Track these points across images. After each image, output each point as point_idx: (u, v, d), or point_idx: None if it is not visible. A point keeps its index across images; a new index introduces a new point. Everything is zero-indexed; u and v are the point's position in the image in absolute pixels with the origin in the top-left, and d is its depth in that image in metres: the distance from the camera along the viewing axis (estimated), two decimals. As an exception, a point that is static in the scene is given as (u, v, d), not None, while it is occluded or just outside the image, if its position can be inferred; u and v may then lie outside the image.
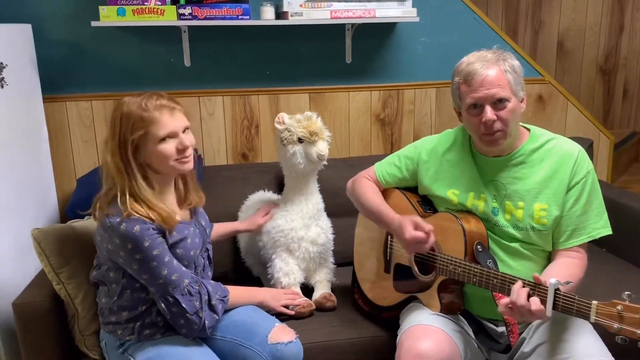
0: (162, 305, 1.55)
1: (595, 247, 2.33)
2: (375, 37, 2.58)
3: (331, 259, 2.14)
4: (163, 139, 1.50)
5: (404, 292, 1.75)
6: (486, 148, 1.62)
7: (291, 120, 2.00)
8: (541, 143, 1.64)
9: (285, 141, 1.99)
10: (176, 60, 2.45)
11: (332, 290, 2.06)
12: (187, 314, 1.55)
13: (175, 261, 1.54)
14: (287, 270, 1.99)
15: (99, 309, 1.69)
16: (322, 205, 2.13)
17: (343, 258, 2.19)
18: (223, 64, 2.49)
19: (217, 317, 1.61)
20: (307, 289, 2.06)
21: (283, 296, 1.86)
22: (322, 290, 2.02)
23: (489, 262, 1.56)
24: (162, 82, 2.46)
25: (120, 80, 2.44)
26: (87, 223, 2.02)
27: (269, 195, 2.24)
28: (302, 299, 1.91)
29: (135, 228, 1.47)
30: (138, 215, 1.47)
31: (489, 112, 1.53)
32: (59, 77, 2.37)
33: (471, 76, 1.54)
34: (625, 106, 4.07)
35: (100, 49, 2.39)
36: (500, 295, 1.53)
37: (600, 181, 1.70)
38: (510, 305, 1.37)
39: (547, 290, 1.35)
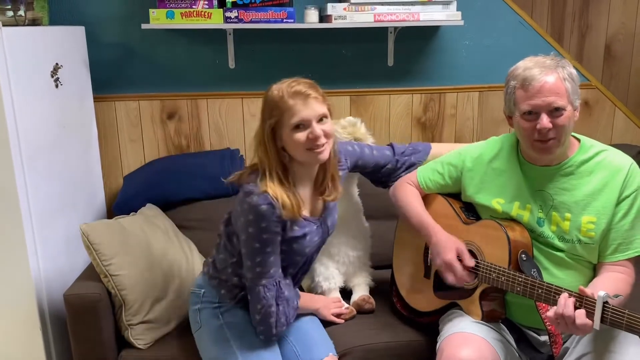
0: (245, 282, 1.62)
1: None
2: (418, 40, 2.56)
3: (369, 262, 2.15)
4: (296, 127, 1.52)
5: (444, 299, 1.74)
6: (536, 156, 1.60)
7: (336, 125, 2.01)
8: (591, 155, 1.60)
9: None
10: (221, 61, 2.49)
11: (370, 292, 2.07)
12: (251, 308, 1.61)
13: (273, 257, 1.57)
14: (327, 274, 2.00)
15: (212, 259, 1.75)
16: (361, 209, 2.15)
17: (381, 261, 2.20)
18: (266, 66, 2.51)
19: (285, 326, 1.65)
20: (345, 292, 2.08)
21: (332, 305, 1.91)
22: (360, 292, 2.04)
23: (533, 272, 1.54)
24: (207, 83, 2.50)
25: (167, 81, 2.49)
26: (133, 219, 2.09)
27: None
28: (345, 308, 1.93)
29: (263, 206, 1.51)
30: (271, 195, 1.51)
31: (545, 120, 1.51)
32: (109, 77, 2.44)
33: (529, 82, 1.52)
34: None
35: (149, 50, 2.44)
36: (543, 305, 1.51)
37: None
38: (556, 317, 1.35)
39: (594, 303, 1.32)
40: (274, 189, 1.53)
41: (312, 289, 2.03)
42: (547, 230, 1.60)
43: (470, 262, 1.58)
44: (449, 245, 1.61)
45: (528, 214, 1.63)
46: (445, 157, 1.84)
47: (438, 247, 1.63)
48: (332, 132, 1.59)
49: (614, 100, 2.78)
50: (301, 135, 1.53)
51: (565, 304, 1.34)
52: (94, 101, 2.40)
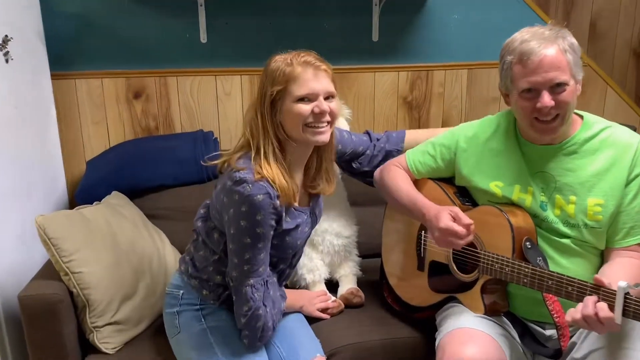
0: (229, 282, 1.46)
1: None
2: (405, 13, 2.40)
3: (356, 251, 2.01)
4: (301, 99, 1.39)
5: (441, 292, 1.61)
6: (537, 136, 1.47)
7: None
8: (595, 131, 1.48)
9: None
10: (192, 36, 2.30)
11: (358, 284, 1.94)
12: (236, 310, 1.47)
13: (263, 253, 1.43)
14: (311, 266, 1.86)
15: (189, 257, 1.59)
16: (345, 194, 2.00)
17: (367, 250, 2.06)
18: (241, 41, 2.33)
19: (272, 331, 1.51)
20: (331, 284, 1.93)
21: (317, 299, 1.75)
22: (348, 284, 1.89)
23: (539, 260, 1.42)
24: (177, 58, 2.31)
25: (133, 57, 2.29)
26: (97, 209, 1.90)
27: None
28: (332, 301, 1.78)
29: (259, 196, 1.36)
30: (268, 179, 1.37)
31: (546, 98, 1.38)
32: (68, 52, 2.23)
33: (527, 56, 1.38)
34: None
35: (113, 22, 2.24)
36: (550, 296, 1.39)
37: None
38: (583, 318, 1.22)
39: (613, 295, 1.20)
40: (271, 171, 1.38)
41: (295, 283, 1.88)
42: (550, 215, 1.48)
43: (467, 219, 1.42)
44: (442, 212, 1.45)
45: (530, 198, 1.50)
46: (436, 138, 1.70)
47: (434, 219, 1.47)
48: (338, 114, 1.46)
49: (605, 78, 2.67)
50: (305, 108, 1.39)
51: (587, 304, 1.21)
52: (52, 79, 2.18)
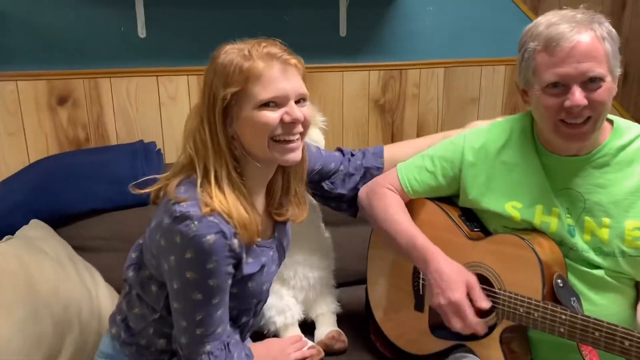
0: (177, 350, 1.13)
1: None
2: (375, 5, 2.15)
3: (333, 282, 1.71)
4: (265, 104, 1.06)
5: (447, 339, 1.32)
6: (562, 143, 1.22)
7: None
8: (630, 139, 1.24)
9: None
10: (128, 30, 1.95)
11: (339, 321, 1.64)
12: None
13: (220, 311, 1.09)
14: (282, 306, 1.54)
15: (121, 317, 1.23)
16: (320, 216, 1.69)
17: (345, 277, 1.79)
18: (188, 36, 2.01)
19: None
20: (306, 325, 1.62)
21: (291, 348, 1.39)
22: (327, 326, 1.59)
23: (573, 301, 1.15)
24: (110, 56, 1.96)
25: (57, 55, 1.93)
26: (7, 246, 1.52)
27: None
28: (309, 347, 1.46)
29: (209, 237, 1.02)
30: (221, 212, 1.03)
31: (578, 95, 1.12)
32: (-28, 49, 1.84)
33: (556, 41, 1.13)
34: (624, 91, 3.76)
35: (30, 14, 1.87)
36: (588, 347, 1.13)
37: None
38: None
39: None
40: (225, 202, 1.04)
41: (262, 328, 1.55)
42: (579, 242, 1.23)
43: (486, 302, 1.17)
44: (457, 278, 1.19)
45: (556, 221, 1.24)
46: (434, 150, 1.41)
47: (440, 281, 1.19)
48: (310, 122, 1.13)
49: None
50: (271, 116, 1.06)
51: None
52: (-47, 81, 1.79)
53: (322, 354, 1.50)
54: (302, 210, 1.24)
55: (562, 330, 1.11)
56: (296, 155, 1.11)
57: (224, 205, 1.04)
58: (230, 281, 1.08)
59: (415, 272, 1.40)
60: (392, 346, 1.46)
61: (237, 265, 1.09)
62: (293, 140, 1.09)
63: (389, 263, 1.48)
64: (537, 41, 1.16)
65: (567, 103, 1.13)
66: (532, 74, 1.19)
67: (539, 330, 1.16)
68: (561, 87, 1.15)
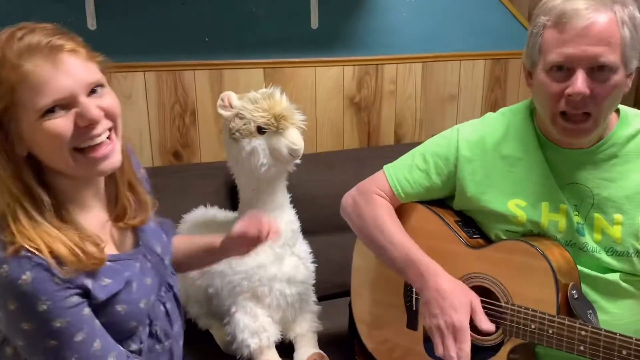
0: None
1: None
2: None
3: (313, 297, 1.55)
4: (48, 112, 0.85)
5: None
6: (563, 138, 1.10)
7: (243, 101, 1.40)
8: (639, 127, 1.12)
9: (237, 133, 1.39)
10: (76, 20, 1.75)
11: (319, 339, 1.49)
12: None
13: (96, 342, 0.90)
14: (256, 327, 1.37)
15: None
16: (297, 225, 1.53)
17: (325, 290, 1.66)
18: (144, 27, 1.83)
19: None
20: (283, 345, 1.45)
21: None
22: (307, 348, 1.43)
23: (589, 314, 1.02)
24: None
25: None
26: None
27: (215, 212, 1.63)
28: None
29: (25, 276, 0.83)
30: (34, 251, 0.84)
31: (580, 82, 1.00)
32: None
33: (567, 18, 1.00)
34: None
35: None
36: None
37: None
38: None
39: None
40: (33, 236, 0.86)
41: (236, 352, 1.38)
42: (589, 241, 1.11)
43: (489, 324, 1.03)
44: (461, 298, 1.05)
45: (564, 220, 1.11)
46: (425, 147, 1.27)
47: (441, 300, 1.05)
48: (119, 113, 0.93)
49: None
50: (61, 123, 0.86)
51: None
52: None
53: (304, 378, 1.34)
54: (145, 208, 1.06)
55: (582, 348, 0.97)
56: (111, 161, 0.91)
57: (32, 242, 0.85)
58: (85, 310, 0.90)
59: (408, 285, 1.25)
60: (382, 369, 1.30)
61: (85, 293, 0.90)
62: (102, 142, 0.90)
63: (376, 275, 1.33)
64: (548, 15, 1.04)
65: (568, 90, 1.01)
66: (537, 52, 1.07)
67: (554, 349, 1.02)
68: (566, 70, 1.03)
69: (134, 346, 1.00)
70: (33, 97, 0.84)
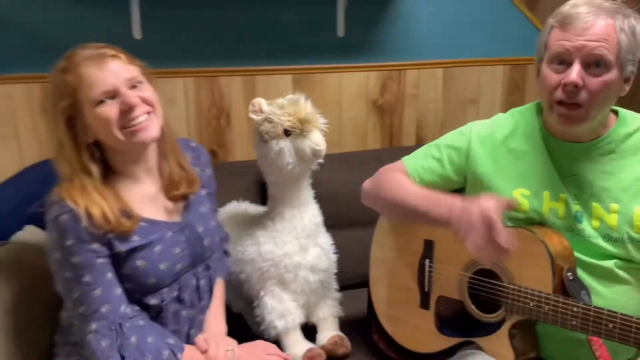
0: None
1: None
2: (373, 5, 2.15)
3: (335, 285, 1.68)
4: (100, 102, 1.14)
5: (453, 336, 1.29)
6: (558, 125, 1.22)
7: (272, 107, 1.54)
8: (636, 127, 1.24)
9: (266, 135, 1.52)
10: (123, 31, 1.93)
11: (340, 325, 1.62)
12: None
13: (98, 289, 1.14)
14: (282, 310, 1.51)
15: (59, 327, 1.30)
16: (320, 219, 1.66)
17: (346, 280, 1.77)
18: (184, 37, 2.00)
19: None
20: (307, 328, 1.58)
21: (274, 349, 1.32)
22: (329, 331, 1.56)
23: (583, 294, 1.13)
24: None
25: (49, 57, 1.79)
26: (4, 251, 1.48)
27: (246, 206, 1.77)
28: (310, 349, 1.42)
29: (63, 217, 1.12)
30: (74, 205, 1.13)
31: (575, 73, 1.12)
32: (-37, 51, 1.82)
33: (571, 20, 1.14)
34: None
35: (22, 15, 1.85)
36: (597, 339, 1.12)
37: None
38: None
39: None
40: (74, 198, 1.14)
41: (264, 333, 1.52)
42: (587, 228, 1.22)
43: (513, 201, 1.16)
44: (475, 199, 1.12)
45: (563, 207, 1.23)
46: (441, 140, 1.42)
47: (471, 201, 1.13)
48: (156, 101, 1.22)
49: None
50: (108, 110, 1.14)
51: None
52: (-58, 85, 1.76)
53: (324, 357, 1.47)
54: (190, 180, 1.31)
55: (574, 323, 1.08)
56: (149, 133, 1.18)
57: (71, 200, 1.13)
58: (100, 260, 1.14)
59: (420, 270, 1.37)
60: (396, 346, 1.42)
61: (106, 245, 1.15)
62: (139, 121, 1.16)
63: (392, 262, 1.46)
64: (556, 18, 1.18)
65: (565, 79, 1.13)
66: (544, 48, 1.20)
67: (549, 324, 1.13)
68: (565, 64, 1.15)
69: (153, 301, 1.21)
70: (88, 93, 1.13)
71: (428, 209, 1.24)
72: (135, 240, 1.18)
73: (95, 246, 1.14)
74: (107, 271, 1.16)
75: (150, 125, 1.18)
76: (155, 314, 1.23)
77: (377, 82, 2.22)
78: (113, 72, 1.15)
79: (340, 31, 2.13)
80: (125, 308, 1.16)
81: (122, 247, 1.16)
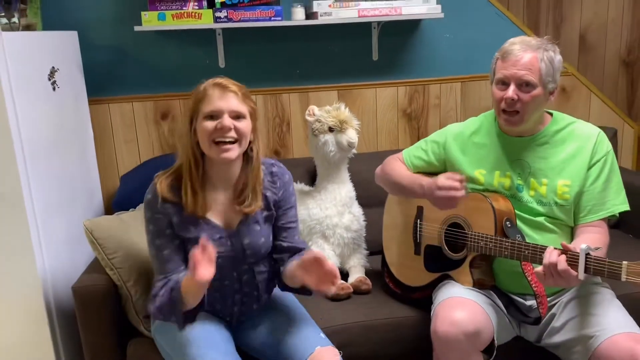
0: None
1: (620, 231, 2.37)
2: (401, 34, 2.65)
3: (364, 245, 2.23)
4: (208, 117, 1.47)
5: (435, 272, 1.82)
6: (505, 126, 1.70)
7: (321, 111, 2.13)
8: (563, 125, 1.72)
9: (316, 131, 2.11)
10: (211, 61, 2.54)
11: (366, 274, 2.15)
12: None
13: (166, 252, 1.53)
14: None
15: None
16: (353, 194, 2.23)
17: (374, 247, 2.28)
18: (255, 65, 2.57)
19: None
20: (342, 274, 2.14)
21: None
22: (357, 274, 2.11)
23: (518, 237, 1.63)
24: (198, 83, 2.52)
25: (159, 82, 2.54)
26: (133, 214, 2.14)
27: (301, 186, 2.35)
28: (341, 282, 1.99)
29: (148, 195, 1.51)
30: (160, 190, 1.49)
31: (511, 91, 1.61)
32: (103, 80, 2.49)
33: (507, 54, 1.62)
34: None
35: (141, 53, 2.49)
36: (529, 268, 1.60)
37: (624, 168, 1.76)
38: (544, 270, 1.44)
39: (577, 256, 1.42)
40: (163, 182, 1.51)
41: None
42: (526, 195, 1.70)
43: (458, 175, 1.65)
44: (437, 177, 1.68)
45: (509, 181, 1.73)
46: (429, 137, 1.94)
47: (431, 185, 1.69)
48: (247, 134, 1.49)
49: (589, 86, 2.90)
50: (209, 124, 1.46)
51: (550, 253, 1.44)
52: (89, 104, 2.44)
53: (351, 289, 2.02)
54: (256, 201, 1.55)
55: (506, 253, 1.60)
56: (228, 155, 1.45)
57: (160, 184, 1.50)
58: (168, 231, 1.51)
59: (415, 227, 1.91)
60: (400, 284, 1.97)
61: (170, 223, 1.50)
62: (226, 143, 1.45)
63: (396, 224, 2.01)
64: (499, 52, 1.67)
65: (505, 95, 1.62)
66: (492, 74, 1.70)
67: (493, 256, 1.65)
68: (506, 85, 1.63)
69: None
70: (204, 107, 1.47)
71: (411, 186, 1.81)
72: (191, 230, 1.51)
73: (164, 222, 1.50)
74: (171, 243, 1.51)
75: (231, 149, 1.45)
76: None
77: (406, 95, 2.73)
78: (226, 101, 1.45)
79: (375, 55, 2.65)
80: (177, 271, 1.52)
81: (182, 232, 1.51)
